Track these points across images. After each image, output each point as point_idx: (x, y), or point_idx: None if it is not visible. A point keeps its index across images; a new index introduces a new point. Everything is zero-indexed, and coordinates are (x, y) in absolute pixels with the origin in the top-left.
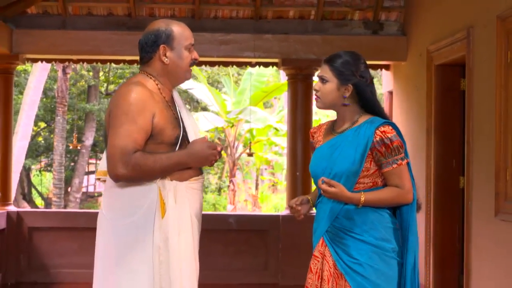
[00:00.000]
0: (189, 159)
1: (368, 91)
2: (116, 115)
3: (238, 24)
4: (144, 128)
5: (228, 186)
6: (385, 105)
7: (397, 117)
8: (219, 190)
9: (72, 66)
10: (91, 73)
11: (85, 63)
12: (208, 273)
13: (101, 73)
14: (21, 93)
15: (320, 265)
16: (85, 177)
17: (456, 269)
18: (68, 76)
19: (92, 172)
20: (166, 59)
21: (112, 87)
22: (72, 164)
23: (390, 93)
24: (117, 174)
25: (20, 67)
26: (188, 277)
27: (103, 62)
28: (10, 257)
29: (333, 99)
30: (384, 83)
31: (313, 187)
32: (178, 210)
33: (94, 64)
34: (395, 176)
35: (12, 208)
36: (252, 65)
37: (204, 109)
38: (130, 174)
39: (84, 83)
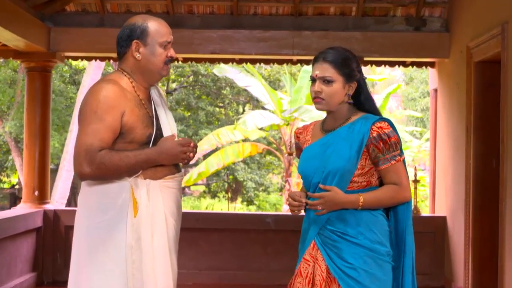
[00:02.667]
0: (158, 157)
1: (366, 87)
2: (84, 113)
3: (277, 21)
4: (112, 126)
5: (284, 186)
6: (431, 103)
7: (441, 116)
8: (281, 189)
9: None
10: None
11: None
12: (246, 273)
13: None
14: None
15: (312, 269)
16: None
17: (496, 272)
18: None
19: None
20: (138, 55)
21: (173, 85)
22: None
23: (435, 91)
24: (82, 172)
25: (77, 65)
26: (163, 277)
27: None
28: (46, 256)
29: (339, 99)
30: (430, 80)
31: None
32: (151, 209)
33: None
34: (392, 174)
35: (49, 206)
36: (294, 62)
37: (264, 107)
38: (95, 173)
39: None
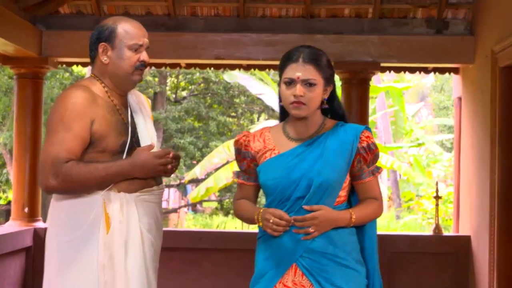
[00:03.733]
0: (132, 170)
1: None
2: (51, 121)
3: (287, 23)
4: (81, 135)
5: None
6: (455, 113)
7: (465, 126)
8: None
9: None
10: (156, 79)
11: (153, 67)
12: None
13: (169, 79)
14: None
15: None
16: None
17: None
18: None
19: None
20: (105, 59)
21: (183, 93)
22: None
23: (460, 99)
24: (47, 185)
25: (80, 71)
26: None
27: None
28: (36, 278)
29: (317, 104)
30: (454, 88)
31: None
32: (125, 225)
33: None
34: (374, 187)
35: (40, 224)
36: None
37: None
38: (60, 186)
39: (150, 89)
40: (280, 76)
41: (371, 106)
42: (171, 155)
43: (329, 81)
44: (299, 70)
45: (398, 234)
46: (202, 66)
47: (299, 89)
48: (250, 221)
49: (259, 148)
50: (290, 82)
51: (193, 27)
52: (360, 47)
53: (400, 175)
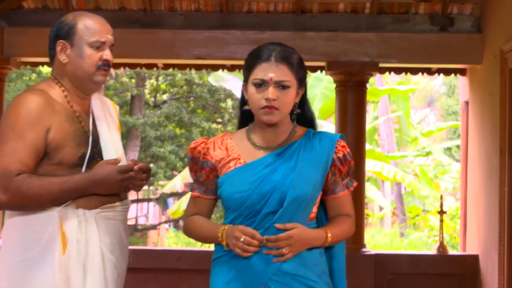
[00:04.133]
0: (90, 185)
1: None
2: (3, 129)
3: (275, 20)
4: (34, 145)
5: None
6: (462, 118)
7: (472, 134)
8: None
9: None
10: (133, 81)
11: (126, 68)
12: None
13: (148, 81)
14: None
15: None
16: None
17: None
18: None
19: (138, 200)
20: (64, 58)
21: (163, 97)
22: None
23: (467, 103)
24: None
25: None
26: None
27: (115, 66)
28: None
29: (290, 108)
30: (460, 91)
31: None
32: (84, 244)
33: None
34: (348, 203)
35: None
36: None
37: None
38: (10, 201)
39: (126, 93)
40: (247, 77)
41: (373, 111)
42: (136, 168)
43: (302, 82)
44: (271, 71)
45: (399, 254)
46: (182, 67)
47: (271, 92)
48: (209, 239)
49: (220, 157)
50: (261, 84)
51: (171, 23)
52: (357, 46)
53: (405, 188)
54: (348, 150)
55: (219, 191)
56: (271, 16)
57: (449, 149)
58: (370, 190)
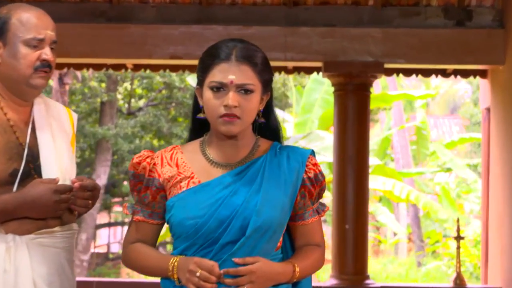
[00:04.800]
0: (21, 207)
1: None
2: None
3: (263, 13)
4: None
5: None
6: (482, 127)
7: (494, 146)
8: None
9: (75, 74)
10: (104, 85)
11: (90, 69)
12: None
13: (120, 85)
14: None
15: None
16: (98, 231)
17: None
18: (67, 88)
19: (110, 224)
20: None
21: (139, 103)
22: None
23: (488, 110)
24: None
25: None
26: None
27: (76, 67)
28: None
29: (253, 117)
30: (481, 96)
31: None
32: (13, 275)
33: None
34: (317, 230)
35: None
36: (289, 70)
37: None
38: None
39: (95, 98)
40: (202, 79)
41: (389, 120)
42: (77, 184)
43: (268, 86)
44: (232, 72)
45: (408, 286)
46: (155, 68)
47: (232, 97)
48: (155, 272)
49: (170, 175)
50: (219, 88)
51: (142, 17)
52: (358, 43)
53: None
54: (320, 169)
55: (168, 215)
56: (259, 8)
57: (474, 164)
58: (381, 212)
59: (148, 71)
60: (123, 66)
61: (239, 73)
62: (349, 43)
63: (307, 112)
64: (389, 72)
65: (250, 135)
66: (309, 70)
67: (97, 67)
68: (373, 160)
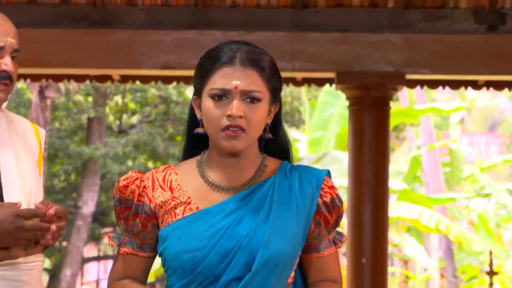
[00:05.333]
0: None
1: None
2: None
3: (268, 17)
4: None
5: None
6: None
7: None
8: None
9: (58, 86)
10: (90, 99)
11: (71, 81)
12: None
13: (111, 99)
14: None
15: None
16: (86, 266)
17: None
18: (49, 102)
19: (99, 258)
20: None
21: (132, 119)
22: (63, 244)
23: None
24: None
25: None
26: None
27: (55, 78)
28: None
29: (260, 131)
30: None
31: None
32: None
33: (46, 81)
34: (334, 264)
35: None
36: (297, 82)
37: None
38: None
39: (82, 114)
40: (200, 87)
41: (417, 138)
42: (52, 210)
43: (276, 96)
44: (236, 77)
45: None
46: (144, 79)
47: (236, 105)
48: None
49: (163, 200)
50: (221, 96)
51: (129, 21)
52: (376, 51)
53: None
54: (337, 192)
55: (161, 247)
56: (262, 11)
57: None
58: (409, 245)
59: (138, 82)
60: (109, 77)
61: (245, 78)
62: (366, 51)
63: (322, 129)
64: (412, 84)
65: (256, 153)
66: (320, 82)
67: (78, 78)
68: (398, 185)
